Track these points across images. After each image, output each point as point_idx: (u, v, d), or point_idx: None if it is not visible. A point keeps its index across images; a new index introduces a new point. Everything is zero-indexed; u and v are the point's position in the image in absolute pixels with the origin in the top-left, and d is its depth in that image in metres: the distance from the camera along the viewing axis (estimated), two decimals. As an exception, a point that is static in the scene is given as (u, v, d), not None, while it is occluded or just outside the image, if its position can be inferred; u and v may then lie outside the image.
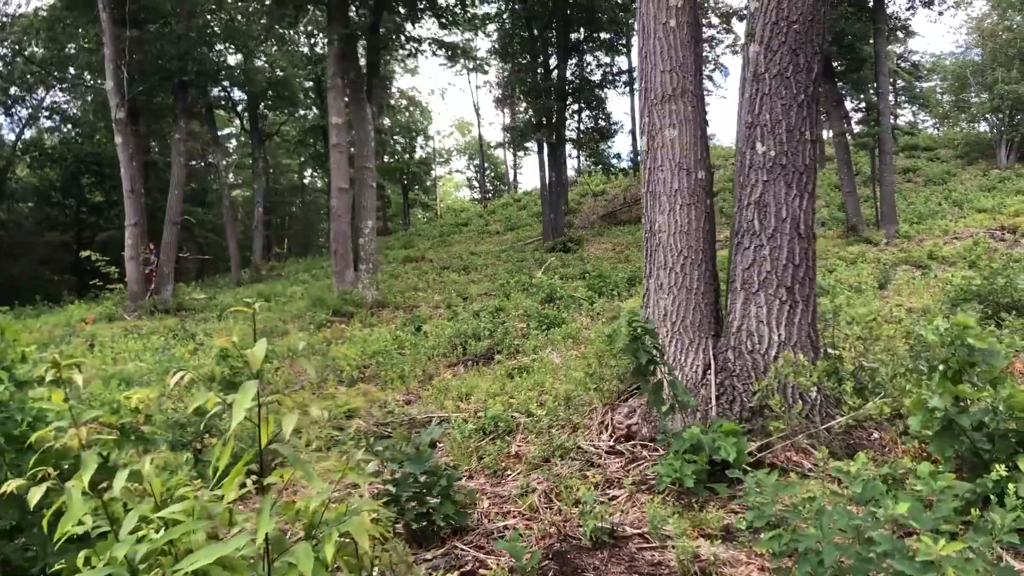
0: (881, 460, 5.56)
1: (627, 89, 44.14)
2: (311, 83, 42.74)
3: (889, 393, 6.21)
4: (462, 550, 5.07)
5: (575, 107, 39.31)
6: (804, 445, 5.99)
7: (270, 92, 38.93)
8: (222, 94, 39.50)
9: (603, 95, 39.57)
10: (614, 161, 43.37)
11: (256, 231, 40.45)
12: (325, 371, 11.77)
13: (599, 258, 29.27)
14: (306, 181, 66.00)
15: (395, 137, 61.39)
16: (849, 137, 29.83)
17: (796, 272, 6.44)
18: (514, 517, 5.57)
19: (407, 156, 63.79)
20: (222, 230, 44.86)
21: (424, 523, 5.15)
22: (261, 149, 41.40)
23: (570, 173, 49.91)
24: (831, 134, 30.57)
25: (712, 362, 6.53)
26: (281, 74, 39.18)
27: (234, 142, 60.25)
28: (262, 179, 41.00)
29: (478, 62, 53.65)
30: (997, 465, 4.70)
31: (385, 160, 60.66)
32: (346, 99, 21.41)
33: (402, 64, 54.94)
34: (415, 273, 29.85)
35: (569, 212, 42.02)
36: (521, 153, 65.32)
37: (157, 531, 2.85)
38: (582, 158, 50.89)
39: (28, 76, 41.80)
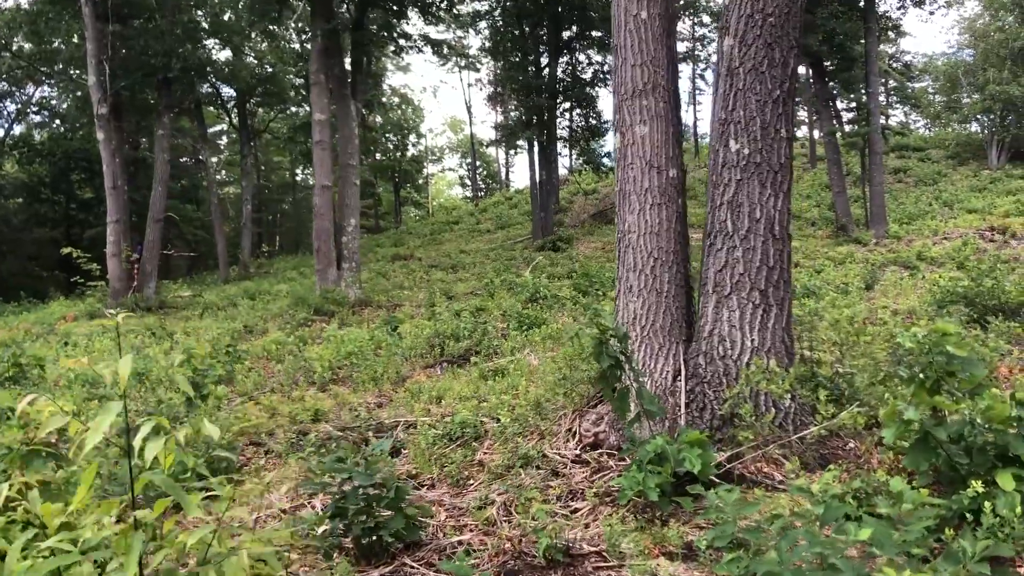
0: (855, 472, 5.31)
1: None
2: (301, 80, 42.46)
3: (865, 402, 5.96)
4: (411, 567, 4.81)
5: (566, 105, 39.01)
6: (776, 455, 5.75)
7: (259, 89, 38.62)
8: (210, 91, 39.13)
9: (594, 93, 39.31)
10: (605, 160, 43.15)
11: (245, 228, 40.14)
12: (297, 373, 11.49)
13: (588, 257, 29.04)
14: (298, 178, 65.63)
15: (387, 135, 61.06)
16: (839, 137, 29.60)
17: (770, 275, 6.19)
18: (471, 531, 5.32)
19: (399, 154, 63.46)
20: (212, 227, 44.63)
21: (373, 538, 4.89)
22: (250, 146, 41.09)
23: (562, 172, 49.69)
24: (821, 134, 30.34)
25: (683, 368, 6.28)
26: (270, 70, 38.83)
27: (225, 139, 59.86)
28: (251, 176, 40.67)
29: (469, 60, 53.35)
30: (974, 481, 4.46)
31: (377, 158, 60.39)
32: (331, 95, 21.11)
33: (393, 61, 54.57)
34: (403, 272, 29.58)
35: (560, 211, 41.77)
36: (513, 151, 65.04)
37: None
38: (573, 157, 50.56)
39: (16, 71, 41.47)
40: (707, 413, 6.09)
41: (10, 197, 53.30)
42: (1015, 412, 4.62)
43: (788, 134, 6.31)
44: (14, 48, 36.75)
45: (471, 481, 6.33)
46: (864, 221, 28.35)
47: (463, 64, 55.86)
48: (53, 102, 49.45)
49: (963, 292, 12.46)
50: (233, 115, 42.60)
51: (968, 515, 4.42)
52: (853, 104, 32.34)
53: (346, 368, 11.50)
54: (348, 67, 22.37)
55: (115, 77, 23.75)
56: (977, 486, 4.38)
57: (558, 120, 37.49)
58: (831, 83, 30.61)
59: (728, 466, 5.68)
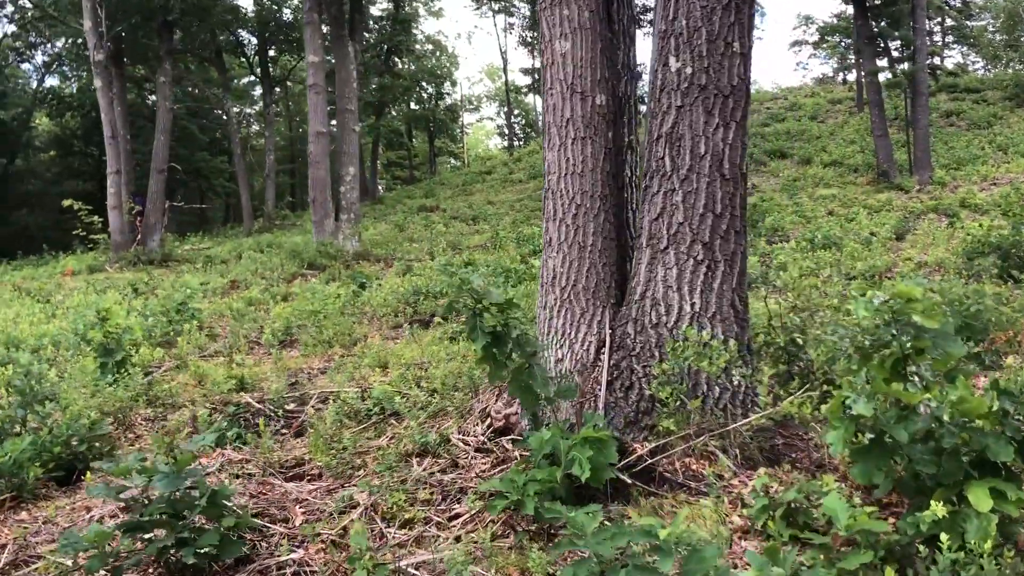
0: (792, 478, 4.17)
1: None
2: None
3: (817, 385, 4.80)
4: (214, 597, 3.81)
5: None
6: (712, 448, 4.62)
7: (279, 36, 37.54)
8: (229, 38, 38.17)
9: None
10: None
11: (268, 180, 39.42)
12: (250, 334, 10.56)
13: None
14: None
15: (421, 83, 59.65)
16: (882, 78, 27.69)
17: (717, 224, 5.00)
18: (321, 542, 4.28)
19: (434, 103, 62.09)
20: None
21: (177, 558, 3.89)
22: (272, 95, 40.15)
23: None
24: (863, 74, 28.41)
25: (608, 338, 5.14)
26: (289, 16, 37.70)
27: (259, 89, 59.03)
28: (274, 126, 39.79)
29: (503, 2, 51.71)
30: (935, 500, 3.31)
31: (412, 107, 59.14)
32: (328, 37, 19.95)
33: (425, 5, 53.04)
34: (423, 223, 28.56)
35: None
36: (550, 98, 63.02)
37: None
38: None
39: (39, 22, 40.74)
40: (633, 393, 4.96)
41: (44, 151, 53.24)
42: (996, 405, 3.44)
43: (743, 49, 5.08)
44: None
45: (359, 472, 5.30)
46: (908, 167, 26.57)
47: (497, 7, 54.25)
48: (86, 53, 48.78)
49: (997, 243, 11.08)
50: (255, 64, 41.59)
51: (921, 549, 3.27)
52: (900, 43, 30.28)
53: (303, 329, 10.52)
54: (346, 5, 21.14)
55: (113, 22, 22.81)
56: (938, 508, 3.24)
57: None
58: (876, 20, 28.58)
59: (651, 461, 4.58)
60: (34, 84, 51.42)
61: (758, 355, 5.46)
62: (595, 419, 4.33)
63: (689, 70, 5.00)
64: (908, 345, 3.78)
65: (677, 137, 5.05)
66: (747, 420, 4.55)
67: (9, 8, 31.85)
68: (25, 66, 51.66)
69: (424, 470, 5.06)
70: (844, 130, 37.03)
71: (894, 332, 3.80)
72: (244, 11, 33.87)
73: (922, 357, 3.79)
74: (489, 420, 5.43)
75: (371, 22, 42.65)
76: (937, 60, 42.74)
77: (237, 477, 5.35)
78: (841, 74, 54.62)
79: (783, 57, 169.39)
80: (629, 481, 4.38)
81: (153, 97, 48.19)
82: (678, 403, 4.61)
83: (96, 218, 22.79)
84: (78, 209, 22.39)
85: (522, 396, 4.49)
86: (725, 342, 4.93)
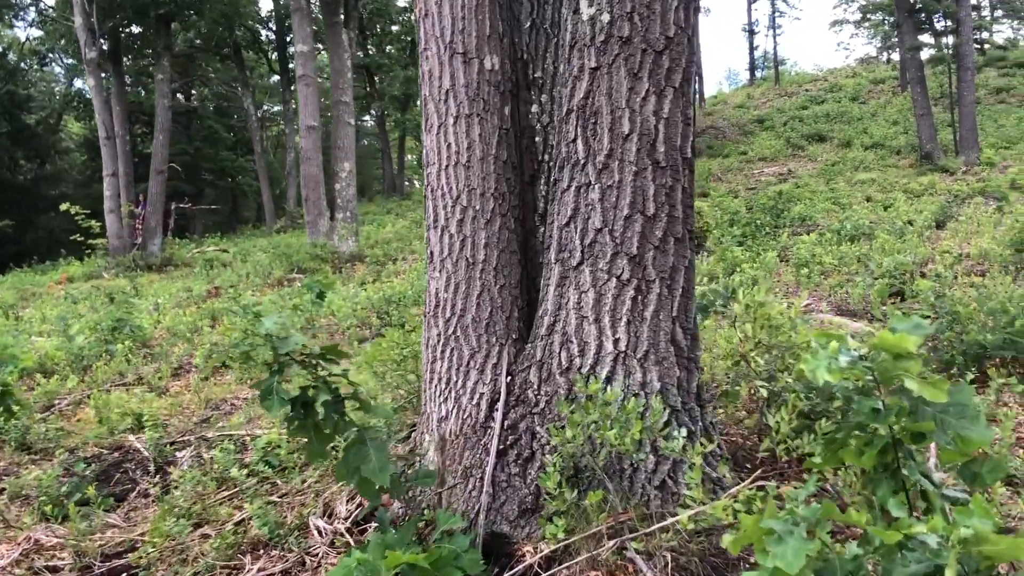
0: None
1: None
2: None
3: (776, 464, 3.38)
4: None
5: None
6: (632, 555, 3.22)
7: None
8: (245, 33, 37.20)
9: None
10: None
11: (290, 177, 38.42)
12: (184, 356, 9.33)
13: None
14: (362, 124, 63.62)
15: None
16: (924, 53, 25.76)
17: (649, 229, 3.60)
18: None
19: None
20: (276, 179, 43.17)
21: None
22: (291, 91, 39.12)
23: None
24: (904, 50, 26.47)
25: (504, 389, 3.75)
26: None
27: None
28: (293, 123, 38.77)
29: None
30: None
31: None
32: (320, 24, 18.70)
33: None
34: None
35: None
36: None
37: None
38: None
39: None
40: (533, 468, 3.58)
41: (75, 152, 52.87)
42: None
43: (683, -13, 3.66)
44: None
45: (187, 570, 3.98)
46: (953, 147, 24.66)
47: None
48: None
49: (1052, 231, 9.51)
50: (274, 60, 40.65)
51: None
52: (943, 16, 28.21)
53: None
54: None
55: (105, 18, 21.81)
56: None
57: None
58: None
59: (547, 573, 3.20)
60: (62, 87, 51.21)
61: (717, 406, 4.05)
62: (447, 520, 2.97)
63: (607, 17, 3.60)
64: (899, 426, 2.38)
65: (592, 111, 3.65)
66: (673, 519, 3.14)
67: (32, 14, 30.90)
68: (57, 69, 51.48)
69: (259, 573, 3.74)
70: (887, 111, 35.03)
71: (880, 405, 2.40)
72: (248, 5, 32.62)
73: (922, 443, 2.38)
74: (357, 499, 4.08)
75: (393, 13, 41.44)
76: (985, 35, 40.38)
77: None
78: (885, 53, 52.30)
79: (824, 37, 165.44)
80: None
81: (180, 97, 47.76)
82: (575, 493, 3.23)
83: (94, 222, 21.88)
84: (75, 213, 21.47)
85: (359, 486, 3.14)
86: (662, 392, 3.54)
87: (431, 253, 3.97)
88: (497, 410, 3.66)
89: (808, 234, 13.29)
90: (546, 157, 4.07)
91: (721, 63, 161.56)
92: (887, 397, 2.43)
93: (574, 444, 3.26)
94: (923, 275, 9.20)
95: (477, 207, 3.82)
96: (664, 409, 3.56)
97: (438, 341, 3.91)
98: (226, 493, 4.91)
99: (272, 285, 15.25)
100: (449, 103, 3.86)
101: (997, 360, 5.85)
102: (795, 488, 2.45)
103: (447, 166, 3.86)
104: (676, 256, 3.68)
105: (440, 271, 3.90)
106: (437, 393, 3.89)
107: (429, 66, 3.93)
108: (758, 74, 55.72)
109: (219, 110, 49.01)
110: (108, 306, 14.53)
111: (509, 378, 3.77)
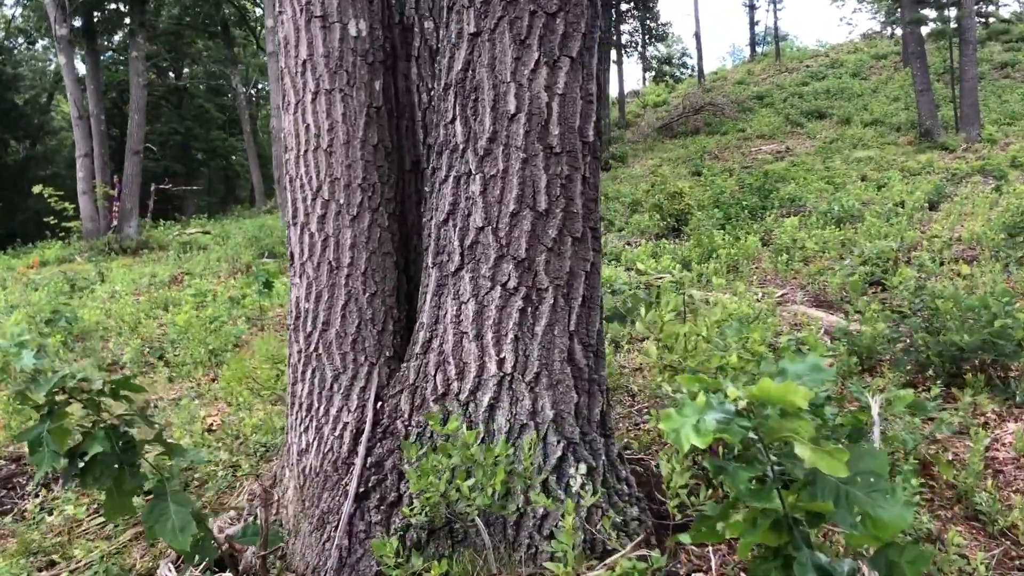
0: None
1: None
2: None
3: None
4: None
5: (624, 8, 34.94)
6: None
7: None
8: (234, 11, 36.44)
9: (653, -9, 35.26)
10: (665, 67, 39.03)
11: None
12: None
13: (635, 177, 25.71)
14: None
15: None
16: (927, 28, 24.93)
17: (541, 228, 3.01)
18: None
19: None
20: (268, 159, 42.34)
21: None
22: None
23: (636, 85, 45.44)
24: (905, 24, 25.62)
25: (370, 419, 3.16)
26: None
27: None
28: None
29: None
30: None
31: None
32: None
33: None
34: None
35: (625, 125, 38.01)
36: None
37: None
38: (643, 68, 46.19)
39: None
40: (398, 516, 3.00)
41: (60, 132, 52.10)
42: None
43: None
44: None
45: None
46: (954, 124, 23.91)
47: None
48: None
49: (1049, 214, 8.90)
50: (262, 38, 39.85)
51: None
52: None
53: (187, 341, 8.66)
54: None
55: (76, -8, 21.13)
56: None
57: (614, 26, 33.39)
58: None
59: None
60: (56, 66, 50.44)
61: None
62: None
63: (488, -28, 2.99)
64: (792, 501, 1.81)
65: (472, 86, 3.05)
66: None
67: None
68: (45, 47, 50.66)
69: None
70: (888, 87, 34.21)
71: (769, 473, 1.83)
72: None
73: (816, 527, 1.81)
74: (216, 544, 3.51)
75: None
76: (992, 8, 39.42)
77: None
78: (889, 28, 51.22)
79: (826, 12, 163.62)
80: None
81: (172, 75, 47.01)
82: (462, 537, 2.66)
83: (68, 204, 21.37)
84: (48, 196, 20.96)
85: (172, 544, 2.57)
86: (556, 421, 2.97)
87: (291, 255, 3.38)
88: (361, 443, 3.08)
89: (794, 216, 12.65)
90: (431, 141, 3.46)
91: (725, 39, 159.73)
92: (774, 461, 1.86)
93: (432, 494, 2.68)
94: (907, 262, 8.60)
95: (341, 200, 3.22)
96: (558, 442, 2.98)
97: (299, 360, 3.32)
98: (98, 521, 4.35)
99: (238, 271, 14.66)
100: (307, 77, 3.25)
101: (976, 362, 5.27)
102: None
103: (306, 151, 3.25)
104: (575, 259, 3.09)
105: (301, 277, 3.31)
106: (298, 421, 3.31)
107: (285, 32, 3.31)
108: (760, 50, 54.71)
109: (212, 89, 48.17)
110: (68, 293, 14.00)
111: (380, 404, 3.18)
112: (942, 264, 8.42)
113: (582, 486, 2.93)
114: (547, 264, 3.03)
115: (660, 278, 9.02)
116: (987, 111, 25.04)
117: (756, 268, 9.86)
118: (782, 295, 8.42)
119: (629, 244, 12.42)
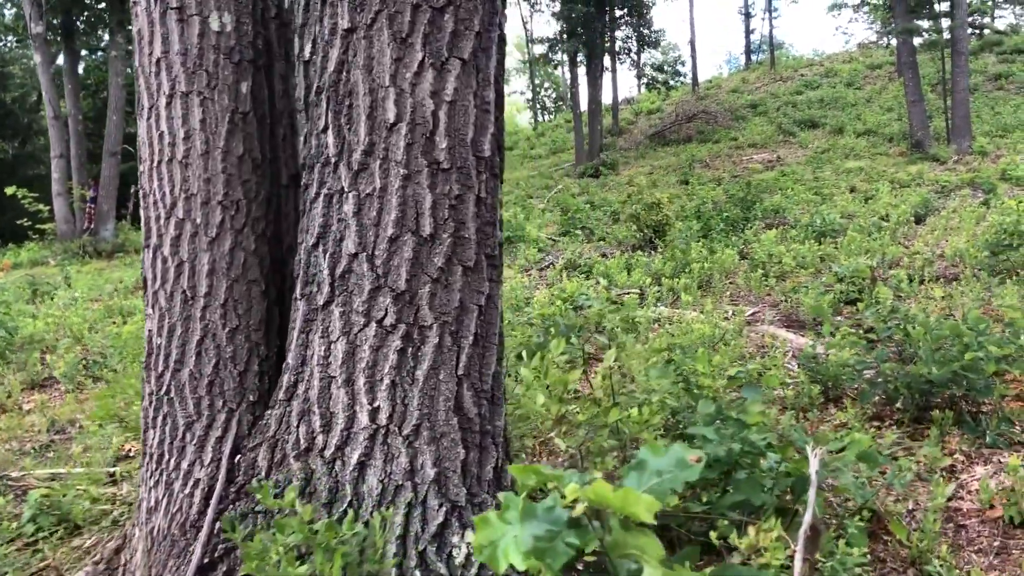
0: None
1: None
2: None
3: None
4: None
5: (617, 14, 34.53)
6: None
7: None
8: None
9: (646, 0, 34.80)
10: (658, 74, 38.66)
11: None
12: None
13: (623, 185, 25.37)
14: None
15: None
16: (917, 39, 24.57)
17: (425, 256, 2.60)
18: None
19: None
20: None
21: None
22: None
23: (630, 92, 45.04)
24: (897, 33, 25.26)
25: (222, 477, 2.74)
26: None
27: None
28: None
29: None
30: None
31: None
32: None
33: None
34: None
35: (617, 132, 37.64)
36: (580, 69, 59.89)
37: None
38: (636, 75, 45.82)
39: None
40: (248, 590, 2.57)
41: (48, 131, 51.65)
42: None
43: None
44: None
45: None
46: (946, 135, 23.56)
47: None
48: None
49: (1027, 231, 8.49)
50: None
51: None
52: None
53: (121, 356, 8.20)
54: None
55: (51, -11, 20.68)
56: None
57: (605, 32, 32.93)
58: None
59: None
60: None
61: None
62: None
63: (364, -41, 2.57)
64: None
65: (346, 91, 2.63)
66: None
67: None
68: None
69: None
70: (882, 97, 33.88)
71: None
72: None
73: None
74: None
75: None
76: (987, 20, 39.09)
77: None
78: (884, 39, 50.94)
79: (822, 21, 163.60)
80: None
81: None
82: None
83: (42, 206, 20.90)
84: (22, 197, 20.49)
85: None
86: (439, 482, 2.55)
87: (144, 282, 2.95)
88: (211, 504, 2.65)
89: (775, 228, 12.25)
90: (303, 153, 3.04)
91: (722, 47, 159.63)
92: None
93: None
94: (885, 281, 8.20)
95: (198, 220, 2.79)
96: (440, 506, 2.56)
97: (150, 403, 2.89)
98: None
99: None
100: (161, 78, 2.82)
101: (946, 395, 4.86)
102: None
103: (159, 163, 2.83)
104: (466, 291, 2.67)
105: (153, 307, 2.88)
106: (148, 474, 2.89)
107: (138, 26, 2.88)
108: (755, 58, 54.38)
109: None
110: (28, 299, 13.56)
111: (238, 458, 2.76)
112: (921, 283, 8.02)
113: (467, 558, 2.51)
114: (432, 297, 2.61)
115: (626, 293, 8.62)
116: (980, 123, 24.70)
117: (730, 283, 9.45)
118: (753, 313, 8.01)
119: (605, 255, 12.00)
